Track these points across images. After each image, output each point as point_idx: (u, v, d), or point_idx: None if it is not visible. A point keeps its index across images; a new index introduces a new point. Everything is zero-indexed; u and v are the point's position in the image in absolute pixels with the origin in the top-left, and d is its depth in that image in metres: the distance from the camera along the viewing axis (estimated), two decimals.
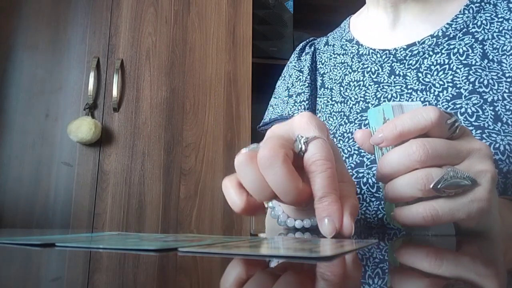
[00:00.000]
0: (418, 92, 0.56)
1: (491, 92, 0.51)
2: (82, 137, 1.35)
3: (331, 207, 0.31)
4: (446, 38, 0.57)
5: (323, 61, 0.71)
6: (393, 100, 0.58)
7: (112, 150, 1.43)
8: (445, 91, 0.54)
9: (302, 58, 0.73)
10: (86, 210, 1.38)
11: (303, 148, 0.33)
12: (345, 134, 0.59)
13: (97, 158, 1.42)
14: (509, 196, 0.50)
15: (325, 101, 0.66)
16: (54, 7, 1.50)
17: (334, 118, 0.63)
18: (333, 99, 0.65)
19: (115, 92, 1.44)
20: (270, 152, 0.32)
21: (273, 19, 1.75)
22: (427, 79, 0.56)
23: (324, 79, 0.68)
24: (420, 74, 0.57)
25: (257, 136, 1.62)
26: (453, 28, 0.58)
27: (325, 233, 0.31)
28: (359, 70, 0.64)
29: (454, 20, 0.58)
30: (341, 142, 0.59)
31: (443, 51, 0.57)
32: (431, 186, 0.32)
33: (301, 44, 0.76)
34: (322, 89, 0.68)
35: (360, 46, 0.65)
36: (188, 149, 1.48)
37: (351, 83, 0.63)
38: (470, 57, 0.55)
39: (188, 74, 1.54)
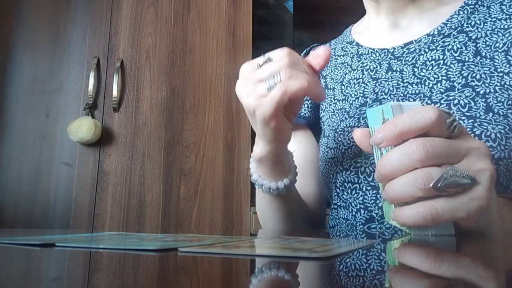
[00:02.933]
0: (414, 85, 0.58)
1: (483, 85, 0.53)
2: (82, 137, 1.35)
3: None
4: (441, 36, 0.60)
5: None
6: (390, 94, 0.60)
7: (112, 150, 1.43)
8: (439, 84, 0.56)
9: None
10: (86, 210, 1.38)
11: (268, 57, 0.45)
12: (345, 128, 0.62)
13: (97, 158, 1.42)
14: (508, 195, 0.50)
15: (329, 101, 0.69)
16: (54, 7, 1.50)
17: (337, 115, 0.66)
18: (336, 98, 0.68)
19: (115, 92, 1.44)
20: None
21: (273, 19, 1.75)
22: (422, 73, 0.59)
23: (326, 80, 0.72)
24: (416, 69, 0.59)
25: None
26: (448, 27, 0.60)
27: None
28: (358, 68, 0.67)
29: (449, 20, 0.61)
30: (341, 136, 0.62)
31: (438, 48, 0.59)
32: (431, 185, 0.32)
33: (305, 50, 0.79)
34: (326, 90, 0.71)
35: (360, 47, 0.69)
36: (188, 149, 1.48)
37: (351, 81, 0.67)
38: (464, 54, 0.57)
39: (188, 74, 1.54)
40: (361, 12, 0.77)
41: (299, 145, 0.71)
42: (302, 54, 0.78)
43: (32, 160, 1.39)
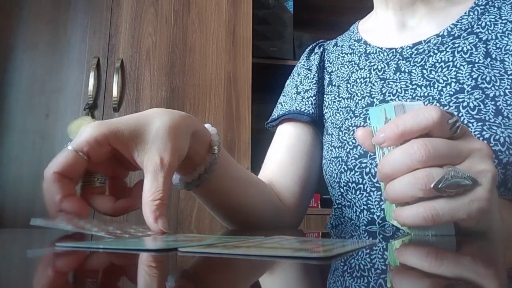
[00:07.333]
0: (423, 87, 0.58)
1: (493, 88, 0.53)
2: None
3: None
4: (451, 37, 0.59)
5: (331, 60, 0.73)
6: (398, 95, 0.59)
7: None
8: (448, 86, 0.56)
9: (311, 57, 0.75)
10: None
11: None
12: (350, 127, 0.62)
13: None
14: (509, 196, 0.50)
15: (333, 98, 0.68)
16: (54, 7, 1.50)
17: (341, 113, 0.65)
18: (340, 95, 0.67)
19: (115, 92, 1.44)
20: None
21: (273, 19, 1.75)
22: (431, 76, 0.58)
23: (331, 77, 0.71)
24: (424, 71, 0.59)
25: (257, 136, 1.62)
26: (458, 28, 0.60)
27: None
28: (366, 68, 0.66)
29: (459, 21, 0.60)
30: (346, 135, 0.61)
31: (447, 49, 0.59)
32: (432, 185, 0.32)
33: (311, 46, 0.78)
34: (330, 86, 0.70)
35: (368, 46, 0.68)
36: None
37: (357, 80, 0.66)
38: (474, 55, 0.57)
39: (188, 74, 1.53)
40: (362, 12, 0.76)
41: (287, 139, 0.68)
42: (306, 51, 0.77)
43: (32, 160, 1.39)
